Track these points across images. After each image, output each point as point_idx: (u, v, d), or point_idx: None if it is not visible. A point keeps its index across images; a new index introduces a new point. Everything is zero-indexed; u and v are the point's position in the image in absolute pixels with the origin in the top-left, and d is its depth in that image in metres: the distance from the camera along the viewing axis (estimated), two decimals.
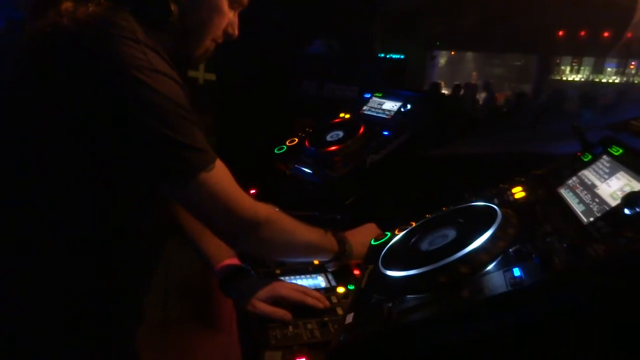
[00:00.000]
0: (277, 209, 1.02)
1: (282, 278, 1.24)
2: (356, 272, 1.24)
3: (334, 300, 1.15)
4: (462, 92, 3.89)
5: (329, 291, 1.20)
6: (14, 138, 0.85)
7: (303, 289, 1.11)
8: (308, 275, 1.27)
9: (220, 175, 0.88)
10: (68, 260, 0.88)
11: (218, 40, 0.99)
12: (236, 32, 1.01)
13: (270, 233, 0.98)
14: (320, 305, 1.07)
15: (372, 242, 1.15)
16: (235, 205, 0.91)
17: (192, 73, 2.03)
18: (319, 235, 1.10)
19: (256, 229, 0.95)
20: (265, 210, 0.97)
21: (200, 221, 0.94)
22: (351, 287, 1.16)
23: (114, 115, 0.79)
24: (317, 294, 1.10)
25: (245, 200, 0.93)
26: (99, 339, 0.95)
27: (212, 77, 2.43)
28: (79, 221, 0.87)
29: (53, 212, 0.86)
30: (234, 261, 1.16)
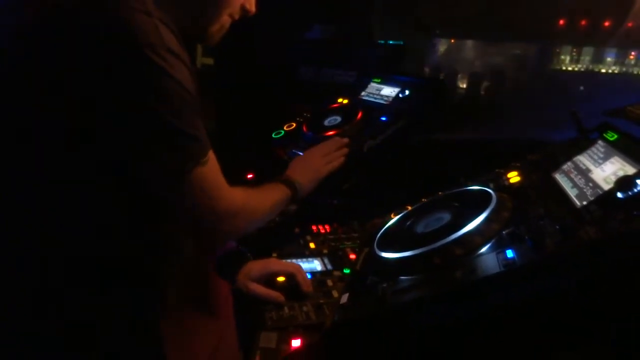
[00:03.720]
0: (246, 189, 1.00)
1: None
2: (352, 256, 1.25)
3: (330, 283, 1.16)
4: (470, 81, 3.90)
5: (325, 274, 1.21)
6: (18, 132, 0.79)
7: (296, 267, 1.14)
8: (304, 259, 1.28)
9: (211, 167, 0.86)
10: (95, 252, 0.84)
11: (235, 16, 0.95)
12: (253, 7, 0.97)
13: (246, 216, 0.98)
14: (305, 287, 1.11)
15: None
16: (220, 199, 0.89)
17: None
18: (277, 191, 1.13)
19: (234, 216, 0.93)
20: (240, 197, 0.95)
21: (180, 213, 0.88)
22: (347, 270, 1.17)
23: (120, 99, 0.73)
24: (305, 277, 1.14)
25: (228, 192, 0.91)
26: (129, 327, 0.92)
27: (209, 61, 2.42)
28: (100, 211, 0.83)
29: (70, 206, 0.81)
30: (231, 244, 1.17)
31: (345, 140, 1.38)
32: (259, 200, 1.05)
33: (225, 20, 0.93)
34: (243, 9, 0.95)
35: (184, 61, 0.78)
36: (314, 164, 1.26)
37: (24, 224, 0.82)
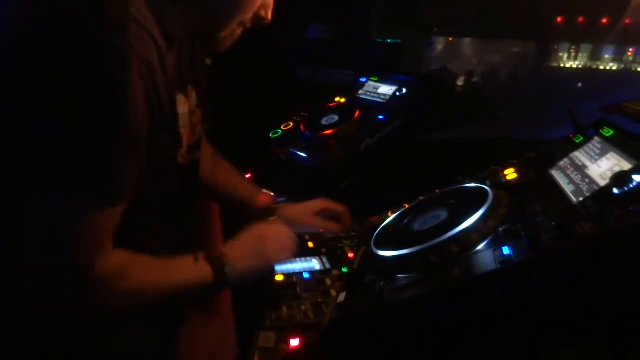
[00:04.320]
0: (132, 255, 0.79)
1: None
2: (350, 255, 1.25)
3: (328, 282, 1.16)
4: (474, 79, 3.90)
5: (323, 274, 1.21)
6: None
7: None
8: (302, 258, 1.28)
9: (110, 213, 0.71)
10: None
11: (247, 24, 0.88)
12: (269, 16, 0.90)
13: (119, 286, 0.76)
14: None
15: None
16: (97, 248, 0.72)
17: None
18: (187, 270, 0.86)
19: (102, 281, 0.73)
20: (118, 261, 0.75)
21: (26, 244, 0.69)
22: (345, 269, 1.17)
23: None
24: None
25: (108, 251, 0.74)
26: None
27: (208, 61, 2.42)
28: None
29: None
30: (267, 195, 1.19)
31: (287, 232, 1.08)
32: (144, 278, 0.79)
33: (237, 27, 0.87)
34: (258, 17, 0.88)
35: (145, 81, 0.70)
36: (263, 247, 0.96)
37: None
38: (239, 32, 0.89)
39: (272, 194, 1.20)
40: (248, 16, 0.86)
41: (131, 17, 0.67)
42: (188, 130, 0.90)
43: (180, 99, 0.86)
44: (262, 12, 0.88)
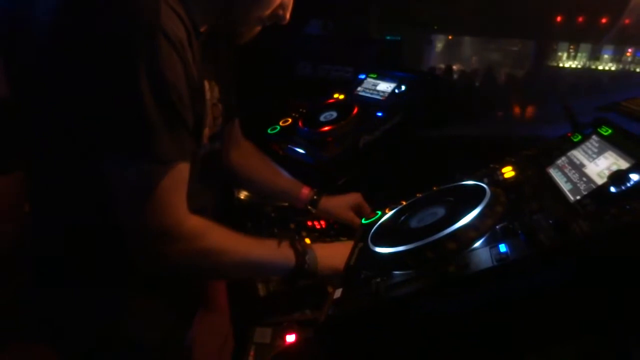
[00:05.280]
0: (212, 223, 0.89)
1: None
2: None
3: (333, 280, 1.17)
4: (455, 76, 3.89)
5: None
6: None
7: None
8: None
9: (172, 177, 0.80)
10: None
11: (265, 21, 0.93)
12: (287, 15, 0.95)
13: (201, 246, 0.86)
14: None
15: (363, 221, 1.16)
16: (172, 210, 0.82)
17: None
18: (268, 249, 0.96)
19: (185, 240, 0.84)
20: (200, 224, 0.86)
21: (119, 211, 0.81)
22: None
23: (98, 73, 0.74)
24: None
25: (183, 211, 0.84)
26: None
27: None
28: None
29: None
30: (308, 188, 1.31)
31: None
32: (231, 243, 0.90)
33: (255, 22, 0.92)
34: (276, 15, 0.93)
35: (178, 52, 0.76)
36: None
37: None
38: (258, 28, 0.94)
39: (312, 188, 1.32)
40: (266, 13, 0.91)
41: (163, 1, 0.75)
42: (210, 118, 0.95)
43: (205, 86, 0.92)
44: (280, 12, 0.93)
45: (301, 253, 0.96)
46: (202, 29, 0.88)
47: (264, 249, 0.95)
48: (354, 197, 1.32)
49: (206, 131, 0.93)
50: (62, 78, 0.77)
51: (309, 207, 1.30)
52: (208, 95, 0.93)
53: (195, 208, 0.88)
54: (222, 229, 0.90)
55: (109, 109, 0.75)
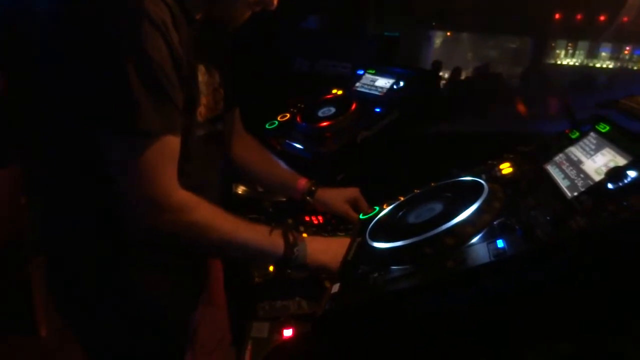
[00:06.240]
0: (202, 200, 0.93)
1: None
2: None
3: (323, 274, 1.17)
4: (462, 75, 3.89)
5: None
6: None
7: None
8: None
9: (161, 149, 0.85)
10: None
11: (253, 7, 0.97)
12: (275, 2, 0.98)
13: (189, 219, 0.90)
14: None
15: (361, 216, 1.16)
16: (160, 182, 0.86)
17: None
18: (257, 233, 0.98)
19: (173, 211, 0.88)
20: (190, 199, 0.91)
21: (116, 186, 0.87)
22: None
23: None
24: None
25: (172, 183, 0.89)
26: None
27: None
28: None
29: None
30: (304, 179, 1.32)
31: None
32: (220, 221, 0.93)
33: (243, 9, 0.96)
34: (263, 1, 0.96)
35: (163, 34, 0.81)
36: (340, 251, 0.97)
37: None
38: (247, 13, 0.97)
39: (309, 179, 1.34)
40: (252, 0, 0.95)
41: None
42: (209, 100, 1.00)
43: (201, 69, 0.97)
44: None
45: (291, 244, 0.98)
46: (197, 16, 0.92)
47: (254, 232, 0.97)
48: (352, 192, 1.33)
49: (202, 109, 0.97)
50: (54, 62, 0.83)
51: (307, 198, 1.31)
52: (203, 78, 0.97)
53: (198, 185, 0.93)
54: (212, 207, 0.94)
55: (98, 88, 0.80)
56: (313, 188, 1.32)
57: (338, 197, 1.32)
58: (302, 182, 1.33)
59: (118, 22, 0.78)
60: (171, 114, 0.85)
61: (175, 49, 0.84)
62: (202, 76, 0.97)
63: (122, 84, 0.79)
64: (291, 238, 0.99)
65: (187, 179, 0.94)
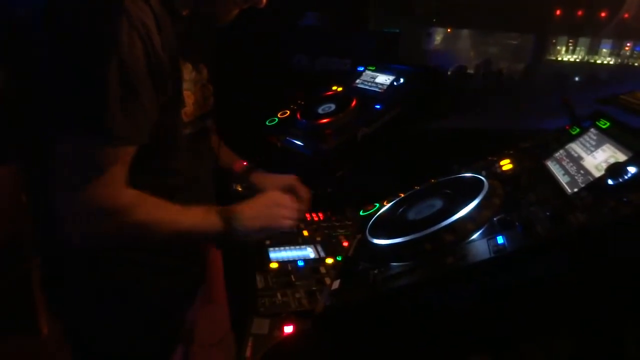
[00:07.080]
0: (145, 195, 0.90)
1: (271, 249, 1.26)
2: (345, 243, 1.25)
3: (323, 270, 1.17)
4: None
5: (317, 262, 1.21)
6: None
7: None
8: (297, 247, 1.29)
9: (119, 152, 0.83)
10: None
11: (240, 4, 0.96)
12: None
13: (134, 219, 0.87)
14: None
15: (361, 213, 1.16)
16: (110, 186, 0.83)
17: None
18: (195, 217, 0.97)
19: (119, 213, 0.86)
20: (131, 197, 0.88)
21: (56, 189, 0.84)
22: (340, 258, 1.17)
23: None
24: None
25: (121, 185, 0.86)
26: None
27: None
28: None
29: None
30: (242, 163, 1.31)
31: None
32: (160, 214, 0.91)
33: (230, 4, 0.95)
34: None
35: (141, 35, 0.80)
36: (271, 211, 1.05)
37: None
38: (235, 10, 0.97)
39: (247, 162, 1.32)
40: None
41: None
42: (198, 97, 1.00)
43: (187, 67, 0.96)
44: None
45: (227, 218, 0.98)
46: (184, 12, 0.91)
47: (192, 217, 0.96)
48: (288, 179, 1.28)
49: (189, 108, 0.97)
50: (45, 60, 0.83)
51: (237, 187, 1.31)
52: (190, 75, 0.96)
53: (187, 180, 0.95)
54: (153, 200, 0.91)
55: (71, 85, 0.79)
56: (248, 171, 1.29)
57: (274, 182, 1.27)
58: (239, 165, 1.30)
59: (95, 20, 0.77)
60: (138, 116, 0.83)
61: (155, 51, 0.83)
62: (188, 74, 0.96)
63: (94, 82, 0.78)
64: (224, 213, 0.98)
65: (176, 177, 0.94)
